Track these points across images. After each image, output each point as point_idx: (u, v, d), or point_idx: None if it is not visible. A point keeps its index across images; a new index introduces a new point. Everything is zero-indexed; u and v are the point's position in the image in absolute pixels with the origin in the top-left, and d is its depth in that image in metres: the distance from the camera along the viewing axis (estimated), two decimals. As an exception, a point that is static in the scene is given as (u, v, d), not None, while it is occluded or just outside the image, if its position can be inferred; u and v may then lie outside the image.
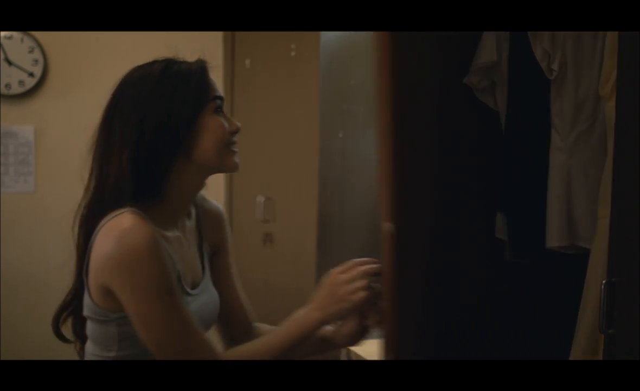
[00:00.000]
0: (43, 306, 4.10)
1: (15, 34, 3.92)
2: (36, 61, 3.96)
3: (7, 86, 3.94)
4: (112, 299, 1.45)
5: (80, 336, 1.63)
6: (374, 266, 1.52)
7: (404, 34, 1.56)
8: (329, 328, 1.61)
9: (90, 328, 1.55)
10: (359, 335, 1.60)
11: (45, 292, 4.08)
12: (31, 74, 3.96)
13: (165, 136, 1.48)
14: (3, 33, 3.91)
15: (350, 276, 1.48)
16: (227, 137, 1.53)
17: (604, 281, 1.56)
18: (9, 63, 3.93)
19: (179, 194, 1.54)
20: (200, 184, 1.60)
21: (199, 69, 1.56)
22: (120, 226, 1.42)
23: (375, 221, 3.41)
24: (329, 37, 3.33)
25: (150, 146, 1.48)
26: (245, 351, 1.52)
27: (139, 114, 1.50)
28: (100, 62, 4.05)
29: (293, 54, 3.54)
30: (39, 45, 3.95)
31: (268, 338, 1.54)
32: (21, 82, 3.96)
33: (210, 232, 1.68)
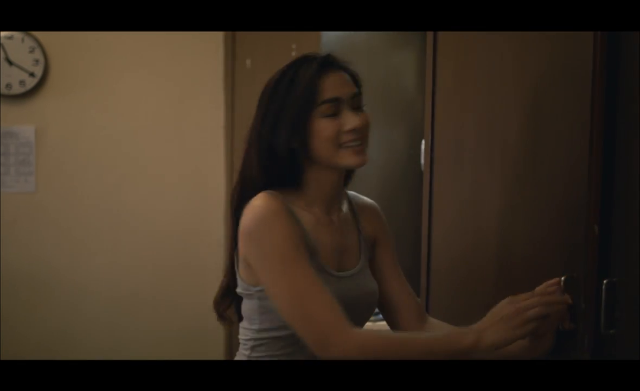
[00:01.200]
0: (43, 306, 4.13)
1: (15, 33, 3.91)
2: (37, 61, 3.95)
3: (8, 86, 3.94)
4: (251, 271, 1.60)
5: (239, 315, 1.74)
6: (557, 297, 1.52)
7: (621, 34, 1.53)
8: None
9: (242, 304, 1.68)
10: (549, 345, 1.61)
11: (46, 292, 4.10)
12: (32, 74, 3.95)
13: (276, 136, 1.61)
14: (3, 33, 3.90)
15: (528, 304, 1.48)
16: (337, 137, 1.59)
17: (605, 281, 1.56)
18: (10, 63, 3.92)
19: (315, 185, 1.66)
20: (335, 178, 1.67)
21: (315, 72, 1.62)
22: (253, 203, 1.57)
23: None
24: (329, 37, 3.32)
25: (267, 144, 1.62)
26: (384, 337, 1.57)
27: (261, 112, 1.65)
28: (100, 62, 4.06)
29: (294, 53, 3.53)
30: (40, 45, 3.95)
31: (418, 338, 1.58)
32: (22, 82, 3.95)
33: (368, 225, 1.77)
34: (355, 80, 1.69)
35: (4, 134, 3.99)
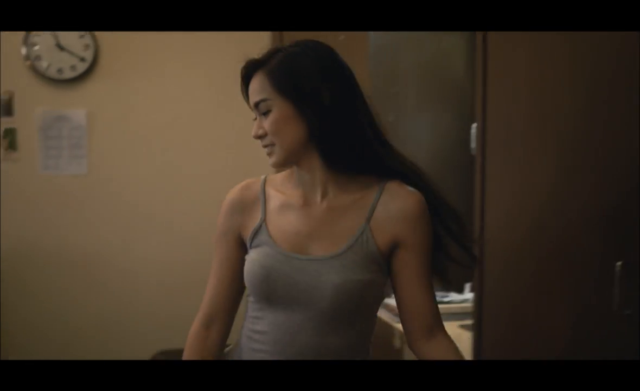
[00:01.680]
0: (96, 287, 4.20)
1: (66, 19, 3.95)
2: (87, 46, 4.00)
3: (59, 70, 4.00)
4: None
5: None
6: None
7: None
8: None
9: None
10: None
11: (98, 273, 4.17)
12: (82, 59, 4.00)
13: None
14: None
15: None
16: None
17: (618, 263, 1.53)
18: (61, 48, 3.98)
19: (295, 172, 1.69)
20: (297, 169, 1.68)
21: (242, 80, 1.68)
22: None
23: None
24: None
25: None
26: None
27: None
28: (149, 47, 4.08)
29: (342, 38, 3.50)
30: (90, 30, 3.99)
31: None
32: (73, 67, 4.01)
33: (389, 222, 1.62)
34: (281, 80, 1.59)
35: (57, 118, 4.05)
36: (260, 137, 1.62)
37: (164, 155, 4.20)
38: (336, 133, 1.58)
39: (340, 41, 3.48)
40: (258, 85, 1.60)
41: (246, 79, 1.64)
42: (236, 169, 4.16)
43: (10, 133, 4.02)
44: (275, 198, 1.68)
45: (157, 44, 4.08)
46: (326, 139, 1.58)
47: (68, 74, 4.00)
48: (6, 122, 4.01)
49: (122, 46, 4.07)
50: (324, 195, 1.64)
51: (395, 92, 3.33)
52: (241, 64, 1.65)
